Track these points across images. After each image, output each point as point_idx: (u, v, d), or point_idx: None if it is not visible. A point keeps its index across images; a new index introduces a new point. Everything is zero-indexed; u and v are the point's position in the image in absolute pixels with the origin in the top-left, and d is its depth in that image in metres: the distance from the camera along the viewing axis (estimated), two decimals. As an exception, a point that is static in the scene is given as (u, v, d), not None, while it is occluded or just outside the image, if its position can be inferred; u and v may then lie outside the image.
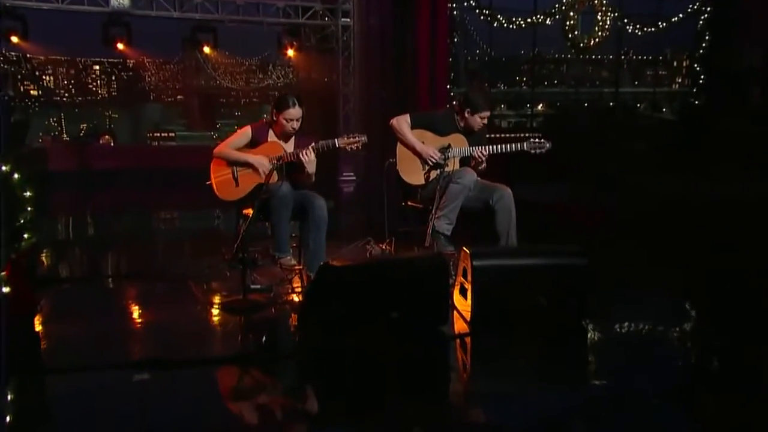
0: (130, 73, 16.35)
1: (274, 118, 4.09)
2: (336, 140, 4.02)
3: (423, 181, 4.44)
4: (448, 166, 4.21)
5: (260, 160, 4.00)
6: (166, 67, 15.90)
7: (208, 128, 16.02)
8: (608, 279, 4.09)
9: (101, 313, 3.60)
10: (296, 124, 4.06)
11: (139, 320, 3.54)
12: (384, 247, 5.09)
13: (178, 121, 16.12)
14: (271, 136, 4.15)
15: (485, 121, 4.36)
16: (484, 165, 4.37)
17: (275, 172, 3.88)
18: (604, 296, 3.62)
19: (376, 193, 4.69)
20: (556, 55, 17.95)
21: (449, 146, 4.25)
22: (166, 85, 16.23)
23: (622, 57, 16.68)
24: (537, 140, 4.16)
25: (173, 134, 15.30)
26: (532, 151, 4.16)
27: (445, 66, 12.60)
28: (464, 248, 3.26)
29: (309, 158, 3.91)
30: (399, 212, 4.74)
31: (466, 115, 4.34)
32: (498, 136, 9.39)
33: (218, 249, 5.27)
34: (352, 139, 4.04)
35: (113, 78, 16.49)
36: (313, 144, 3.96)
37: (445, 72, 12.67)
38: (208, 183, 4.15)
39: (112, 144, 13.88)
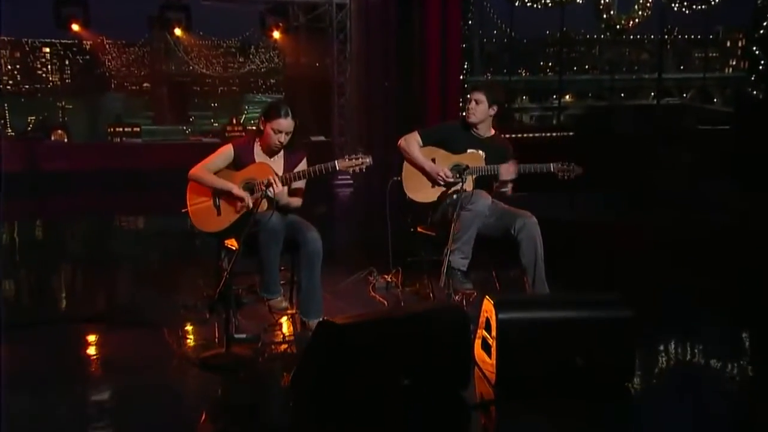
0: (87, 57, 16.35)
1: (261, 128, 4.10)
2: (336, 162, 4.03)
3: (433, 198, 4.49)
4: (464, 188, 4.23)
5: (242, 193, 4.01)
6: (129, 50, 15.91)
7: (179, 121, 16.05)
8: (659, 326, 4.11)
9: (46, 377, 3.46)
10: (284, 138, 4.07)
11: (100, 390, 3.42)
12: (389, 279, 5.14)
13: (143, 113, 16.19)
14: (258, 154, 4.16)
15: (475, 104, 4.38)
16: (509, 189, 4.39)
17: (264, 199, 3.88)
18: (654, 352, 3.62)
19: (376, 205, 4.70)
20: (587, 36, 17.98)
21: (466, 167, 4.26)
22: (130, 71, 16.24)
23: (665, 36, 16.60)
24: (567, 165, 4.21)
25: (138, 129, 15.30)
26: (560, 175, 4.21)
27: (457, 51, 12.61)
28: (487, 297, 3.26)
29: (276, 189, 3.91)
30: (405, 236, 4.75)
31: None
32: (518, 136, 9.39)
33: (195, 278, 5.32)
34: (354, 160, 4.04)
35: (66, 63, 16.52)
36: (279, 175, 3.95)
37: (458, 58, 12.69)
38: (183, 210, 4.16)
39: (65, 140, 13.86)
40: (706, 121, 13.36)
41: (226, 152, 4.16)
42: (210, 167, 4.14)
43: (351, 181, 12.97)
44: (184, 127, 16.05)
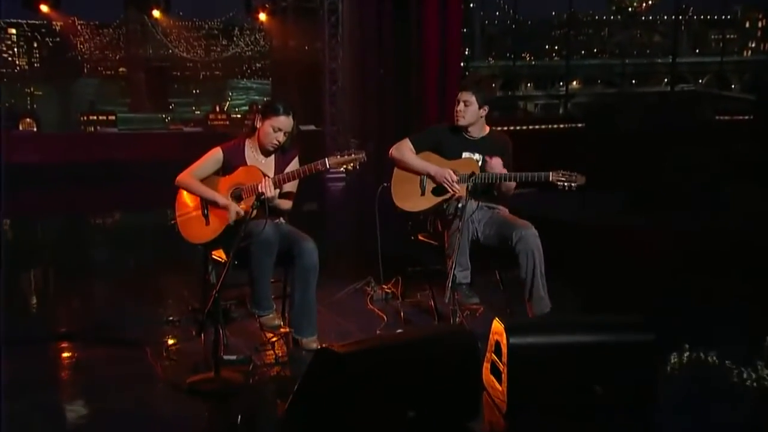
0: (57, 40, 16.19)
1: (257, 125, 4.09)
2: (326, 160, 3.98)
3: (422, 207, 4.48)
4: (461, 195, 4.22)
5: (228, 203, 3.98)
6: (103, 32, 15.78)
7: (158, 109, 15.98)
8: (678, 346, 4.10)
9: (13, 402, 3.40)
10: (282, 138, 4.06)
11: (75, 417, 3.37)
12: (388, 289, 5.12)
13: (119, 100, 16.10)
14: (250, 157, 4.15)
15: (463, 106, 4.35)
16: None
17: (256, 207, 3.85)
18: (675, 376, 3.62)
19: (370, 203, 4.68)
20: (596, 17, 17.91)
21: (472, 174, 4.24)
22: (104, 54, 16.16)
23: (679, 17, 16.55)
24: (568, 173, 4.16)
25: (113, 117, 15.28)
26: (559, 184, 4.16)
27: (458, 35, 12.57)
28: (497, 319, 3.24)
29: (268, 193, 3.87)
30: (405, 244, 4.73)
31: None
32: (521, 129, 9.34)
33: (179, 288, 5.30)
34: (346, 157, 4.00)
35: (35, 45, 16.37)
36: (270, 177, 3.93)
37: (458, 42, 12.65)
38: (172, 222, 4.16)
39: (34, 130, 13.80)
40: (723, 110, 13.35)
41: (215, 156, 4.14)
42: (197, 173, 4.12)
43: (344, 175, 12.95)
44: (164, 115, 15.95)
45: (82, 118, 15.12)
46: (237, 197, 4.02)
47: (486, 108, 4.40)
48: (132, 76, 16.81)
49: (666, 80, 16.76)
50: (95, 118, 15.11)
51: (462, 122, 4.39)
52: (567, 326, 3.24)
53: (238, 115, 16.64)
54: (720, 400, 3.51)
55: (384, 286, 5.14)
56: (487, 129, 4.52)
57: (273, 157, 4.19)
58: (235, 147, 4.16)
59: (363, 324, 4.53)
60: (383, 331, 4.36)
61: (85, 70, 16.32)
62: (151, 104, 16.58)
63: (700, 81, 18.12)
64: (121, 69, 16.78)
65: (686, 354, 4.04)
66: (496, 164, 4.33)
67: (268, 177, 3.97)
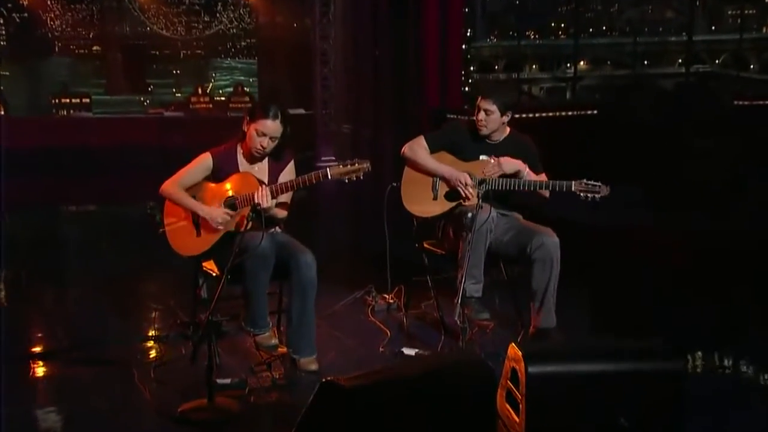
0: (25, 15, 15.98)
1: (245, 129, 4.04)
2: (328, 170, 3.94)
3: (434, 213, 4.50)
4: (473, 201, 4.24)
5: (212, 213, 3.95)
6: (75, 7, 15.59)
7: (136, 91, 15.88)
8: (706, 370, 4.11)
9: None
10: (267, 143, 4.00)
11: None
12: (390, 299, 5.10)
13: (94, 81, 15.99)
14: (242, 164, 4.11)
15: (485, 115, 4.36)
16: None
17: (252, 219, 3.81)
18: (707, 408, 3.60)
19: (367, 198, 4.65)
20: (606, -8, 17.83)
21: (484, 181, 4.22)
22: (77, 32, 15.96)
23: (695, -9, 16.41)
24: (591, 183, 4.18)
25: (88, 100, 15.11)
26: (581, 195, 4.19)
27: (459, 13, 12.52)
28: (513, 344, 3.21)
29: (264, 203, 3.83)
30: (408, 250, 4.71)
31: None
32: (525, 117, 9.26)
33: (165, 297, 5.25)
34: (350, 167, 3.94)
35: (1, 22, 16.16)
36: (268, 187, 3.90)
37: (459, 21, 12.60)
38: (161, 231, 4.14)
39: (1, 114, 13.69)
40: (741, 94, 13.29)
41: (204, 163, 4.09)
42: (184, 181, 4.08)
43: (335, 162, 12.87)
44: (142, 98, 15.87)
45: (53, 101, 14.95)
46: (231, 207, 3.98)
47: (509, 114, 4.40)
48: (107, 56, 16.64)
49: (680, 60, 16.66)
50: (68, 100, 14.97)
51: (485, 131, 4.41)
52: (589, 353, 3.21)
53: (222, 98, 16.53)
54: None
55: (386, 295, 5.13)
56: (508, 130, 4.52)
57: (267, 162, 4.14)
58: (227, 152, 4.11)
59: (364, 339, 4.52)
60: (386, 348, 4.33)
61: (57, 49, 16.10)
62: (129, 86, 16.44)
63: (717, 61, 18.03)
64: (95, 47, 16.60)
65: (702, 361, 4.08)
66: (507, 165, 4.32)
67: (265, 185, 3.92)
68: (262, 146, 3.98)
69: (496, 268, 4.53)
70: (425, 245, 4.71)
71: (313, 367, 3.93)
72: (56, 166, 11.15)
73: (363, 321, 4.87)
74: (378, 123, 12.48)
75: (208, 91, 16.36)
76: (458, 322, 3.97)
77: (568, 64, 15.96)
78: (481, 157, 4.45)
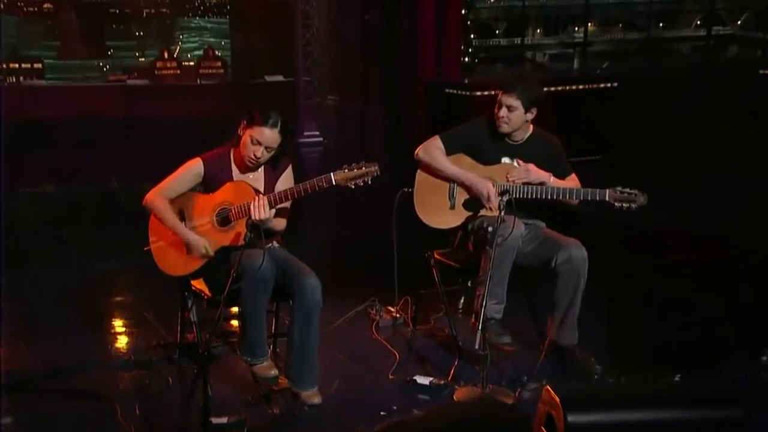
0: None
1: (240, 133, 3.99)
2: (332, 175, 3.88)
3: (452, 225, 4.47)
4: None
5: (193, 242, 3.92)
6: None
7: (94, 54, 15.69)
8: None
9: None
10: (261, 153, 3.95)
11: None
12: (395, 312, 5.05)
13: (46, 43, 15.80)
14: (236, 172, 4.07)
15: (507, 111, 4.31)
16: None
17: (248, 239, 3.74)
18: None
19: (367, 197, 4.56)
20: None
21: (506, 191, 4.16)
22: (26, -13, 15.74)
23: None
24: (628, 191, 4.16)
25: (40, 65, 15.06)
26: (616, 205, 4.17)
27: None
28: (548, 387, 3.16)
29: (261, 215, 3.78)
30: (416, 257, 4.66)
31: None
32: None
33: (139, 308, 5.17)
34: (356, 170, 3.88)
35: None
36: (265, 196, 3.85)
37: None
38: (146, 249, 4.09)
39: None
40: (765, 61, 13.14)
41: (193, 170, 4.04)
42: (170, 191, 4.03)
43: (320, 139, 12.81)
44: (101, 63, 15.69)
45: (1, 66, 14.76)
46: (224, 219, 3.93)
47: (534, 110, 4.33)
48: (60, 15, 16.34)
49: (698, 21, 16.55)
50: (17, 66, 14.83)
51: (505, 129, 4.35)
52: (636, 397, 3.17)
53: (191, 63, 16.33)
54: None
55: (391, 308, 5.09)
56: (531, 129, 4.46)
57: (263, 169, 4.09)
58: (219, 158, 4.06)
59: (370, 363, 4.48)
60: (396, 376, 4.28)
61: (2, 6, 15.77)
62: (86, 49, 16.23)
63: (738, 22, 17.93)
64: (46, 5, 16.30)
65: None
66: (535, 174, 4.28)
67: (261, 195, 3.86)
68: (255, 156, 3.94)
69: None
70: (437, 256, 4.66)
71: (316, 400, 3.90)
72: (6, 142, 10.93)
73: (367, 339, 4.83)
74: (366, 95, 12.39)
75: (175, 55, 16.17)
76: (479, 350, 3.92)
77: (576, 28, 15.80)
78: (503, 160, 4.41)
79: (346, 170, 3.86)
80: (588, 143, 8.55)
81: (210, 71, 15.40)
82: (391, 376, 4.27)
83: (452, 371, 4.28)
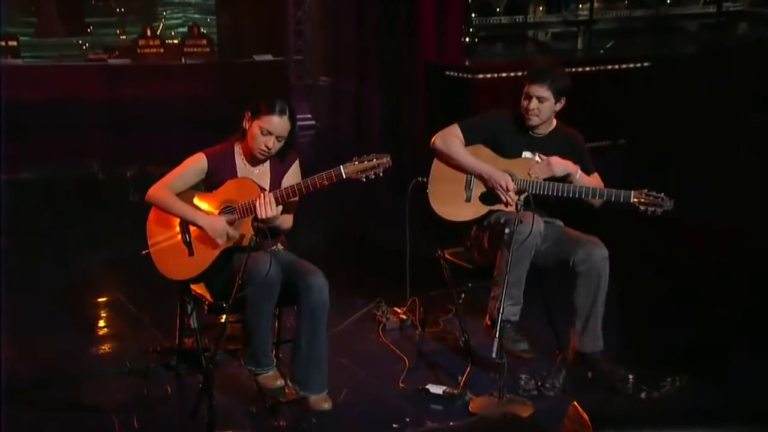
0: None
1: (246, 126, 3.96)
2: (342, 168, 3.83)
3: (466, 218, 4.44)
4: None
5: (214, 224, 3.86)
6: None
7: (73, 32, 15.52)
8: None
9: None
10: (272, 144, 3.92)
11: None
12: (402, 314, 5.01)
13: (21, 19, 15.70)
14: (241, 168, 4.04)
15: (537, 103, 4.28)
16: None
17: (254, 235, 3.72)
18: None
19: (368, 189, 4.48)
20: None
21: (525, 189, 4.12)
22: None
23: None
24: (653, 195, 4.11)
25: (15, 43, 14.94)
26: (641, 208, 4.13)
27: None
28: (576, 403, 3.12)
29: (268, 213, 3.76)
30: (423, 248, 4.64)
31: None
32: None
33: (134, 305, 5.11)
34: (366, 163, 3.84)
35: None
36: (271, 193, 3.83)
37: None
38: (144, 252, 4.04)
39: None
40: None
41: (197, 164, 4.01)
42: (174, 185, 3.99)
43: (312, 122, 12.76)
44: (80, 41, 15.60)
45: (-27, 46, 14.70)
46: (228, 218, 3.88)
47: (563, 100, 4.31)
48: (38, -11, 16.32)
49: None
50: (-8, 45, 14.70)
51: (535, 122, 4.33)
52: (671, 418, 3.14)
53: (175, 41, 16.22)
54: None
55: (398, 309, 5.06)
56: (554, 122, 4.44)
57: (268, 164, 4.06)
58: (223, 153, 4.03)
59: (379, 369, 4.43)
60: (407, 384, 4.23)
61: (-27, -20, 15.67)
62: (64, 26, 16.17)
63: (747, -2, 17.85)
64: (22, -22, 16.23)
65: None
66: (558, 166, 4.25)
67: (267, 192, 3.81)
68: (267, 147, 3.91)
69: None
70: (447, 256, 4.62)
71: (326, 405, 3.87)
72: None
73: (374, 342, 4.79)
74: (361, 76, 12.28)
75: (158, 33, 16.06)
76: (496, 359, 3.88)
77: (580, 5, 15.71)
78: (524, 154, 4.38)
79: (356, 162, 3.82)
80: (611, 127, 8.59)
81: (195, 50, 15.27)
82: (401, 384, 4.22)
83: (464, 378, 4.23)
